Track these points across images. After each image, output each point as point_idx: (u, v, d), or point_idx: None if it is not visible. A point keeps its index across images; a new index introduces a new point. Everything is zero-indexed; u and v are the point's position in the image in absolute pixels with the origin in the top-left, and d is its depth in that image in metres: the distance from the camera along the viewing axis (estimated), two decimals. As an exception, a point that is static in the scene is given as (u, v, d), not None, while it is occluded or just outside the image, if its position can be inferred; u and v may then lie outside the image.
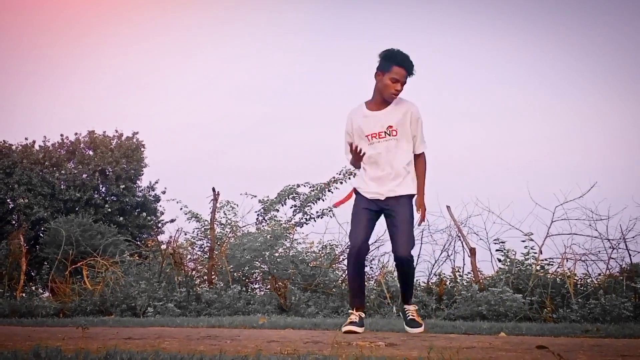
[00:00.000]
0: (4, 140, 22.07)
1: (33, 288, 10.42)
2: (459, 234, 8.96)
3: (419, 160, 5.03)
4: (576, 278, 8.10)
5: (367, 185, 4.95)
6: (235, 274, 9.36)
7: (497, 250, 8.44)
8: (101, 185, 22.34)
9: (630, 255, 8.27)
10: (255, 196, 11.76)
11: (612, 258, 8.32)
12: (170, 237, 10.67)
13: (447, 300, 7.79)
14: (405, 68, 4.82)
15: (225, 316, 7.53)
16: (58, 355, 3.14)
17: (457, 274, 8.74)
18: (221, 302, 8.29)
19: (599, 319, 6.91)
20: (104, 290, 9.01)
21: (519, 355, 3.42)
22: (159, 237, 17.57)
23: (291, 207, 12.16)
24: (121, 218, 21.75)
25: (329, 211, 11.93)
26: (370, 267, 9.64)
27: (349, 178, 12.11)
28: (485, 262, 8.78)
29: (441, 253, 8.71)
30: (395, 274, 8.92)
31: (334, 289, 8.71)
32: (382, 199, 4.90)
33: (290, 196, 12.13)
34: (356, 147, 4.87)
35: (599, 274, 8.31)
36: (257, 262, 9.48)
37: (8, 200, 21.08)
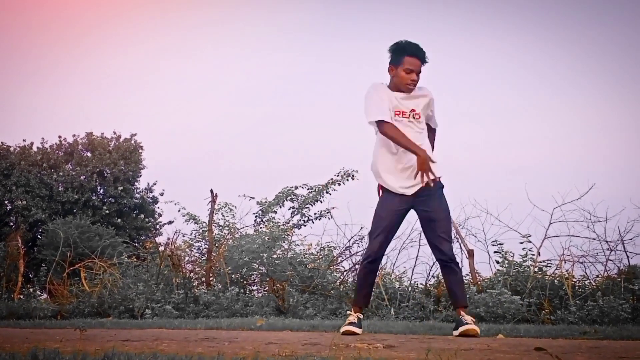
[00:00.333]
0: (1, 142, 22.08)
1: (31, 290, 10.40)
2: (457, 236, 8.96)
3: (432, 134, 5.05)
4: (574, 280, 8.10)
5: (396, 177, 4.77)
6: (233, 276, 9.35)
7: (495, 252, 8.45)
8: (99, 187, 22.33)
9: (628, 257, 8.28)
10: (253, 198, 11.76)
11: (610, 260, 8.32)
12: (168, 238, 10.66)
13: (445, 302, 7.79)
14: (418, 57, 4.77)
15: (223, 318, 7.53)
16: (56, 357, 3.14)
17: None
18: (219, 304, 8.28)
19: (597, 320, 6.91)
20: (102, 292, 9.00)
21: (517, 357, 3.43)
22: (156, 238, 17.54)
23: (289, 209, 12.14)
24: (119, 220, 21.74)
25: (327, 213, 11.92)
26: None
27: (347, 180, 12.10)
28: (483, 263, 8.79)
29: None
30: (394, 275, 8.99)
31: (332, 291, 8.71)
32: (411, 193, 4.74)
33: (288, 198, 12.12)
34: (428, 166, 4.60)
35: (597, 276, 8.32)
36: (255, 264, 9.48)
37: (6, 202, 21.08)
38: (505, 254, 8.31)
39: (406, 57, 4.76)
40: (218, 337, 4.68)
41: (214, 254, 9.62)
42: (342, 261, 9.76)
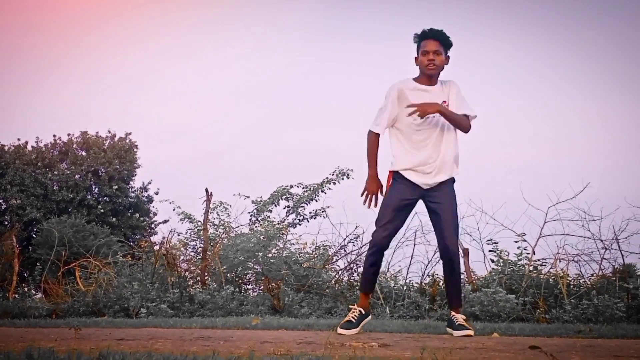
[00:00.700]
0: (-4, 141, 22.03)
1: (25, 289, 10.39)
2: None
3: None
4: (569, 278, 8.12)
5: (414, 169, 4.73)
6: (228, 275, 9.35)
7: (490, 251, 8.46)
8: (94, 186, 22.29)
9: (622, 255, 8.30)
10: (249, 197, 11.75)
11: (605, 259, 8.34)
12: (163, 238, 10.66)
13: (440, 300, 7.80)
14: (433, 37, 4.73)
15: (219, 317, 7.53)
16: (51, 356, 3.13)
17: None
18: (214, 303, 8.28)
19: (592, 319, 6.93)
20: (97, 291, 8.99)
21: (512, 356, 3.43)
22: (151, 238, 17.52)
23: (284, 208, 12.15)
24: (114, 219, 21.71)
25: (322, 212, 11.93)
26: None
27: (343, 179, 12.10)
28: (479, 262, 8.80)
29: (434, 254, 8.71)
30: (389, 274, 8.99)
31: (327, 290, 8.71)
32: (426, 188, 4.73)
33: (283, 197, 12.12)
34: (372, 196, 4.83)
35: (592, 275, 8.34)
36: (250, 263, 9.48)
37: (0, 201, 21.03)
38: (500, 253, 8.32)
39: (422, 41, 4.76)
40: (213, 336, 4.68)
41: (209, 253, 9.62)
42: (337, 260, 9.76)
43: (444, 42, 4.75)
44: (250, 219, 11.67)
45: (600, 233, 8.44)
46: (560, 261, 8.34)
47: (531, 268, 8.15)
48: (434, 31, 4.75)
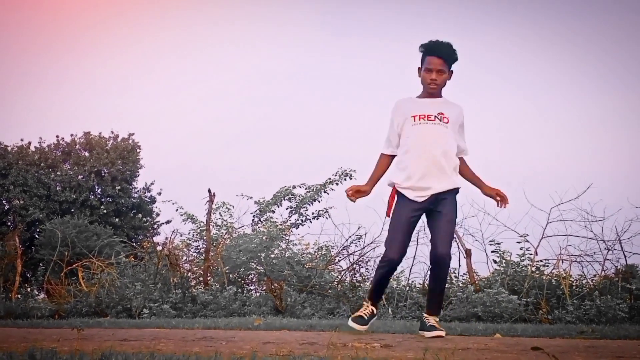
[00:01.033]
0: (-1, 142, 22.05)
1: (28, 289, 10.39)
2: (455, 235, 8.97)
3: (464, 163, 4.92)
4: (571, 279, 8.12)
5: (412, 181, 4.62)
6: (230, 276, 9.36)
7: (492, 251, 8.47)
8: (97, 187, 22.31)
9: (625, 256, 8.29)
10: (251, 197, 11.76)
11: (608, 259, 8.34)
12: (166, 238, 10.68)
13: (443, 301, 7.80)
14: (437, 55, 4.63)
15: (221, 317, 7.53)
16: (53, 356, 3.14)
17: (452, 275, 8.75)
18: (217, 304, 8.28)
19: (594, 320, 6.92)
20: (100, 291, 8.99)
21: (515, 357, 3.43)
22: (154, 238, 17.53)
23: (287, 209, 12.15)
24: (117, 219, 21.72)
25: (325, 212, 11.92)
26: (366, 269, 9.65)
27: (345, 179, 12.11)
28: (481, 263, 8.80)
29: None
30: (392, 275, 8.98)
31: (329, 290, 8.72)
32: (428, 197, 4.62)
33: (286, 197, 12.12)
34: (356, 192, 4.79)
35: (594, 275, 8.33)
36: (252, 264, 9.48)
37: (4, 201, 21.06)
38: (503, 254, 8.32)
39: (427, 57, 4.66)
40: (216, 337, 4.68)
41: (212, 254, 9.63)
42: (339, 261, 9.77)
43: (449, 58, 4.66)
44: (252, 220, 11.69)
45: (603, 234, 8.44)
46: (562, 262, 8.34)
47: (534, 269, 8.14)
48: (439, 48, 4.65)
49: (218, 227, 10.90)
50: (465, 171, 4.92)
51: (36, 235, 20.02)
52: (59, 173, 21.63)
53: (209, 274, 9.42)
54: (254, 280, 9.76)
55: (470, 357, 3.43)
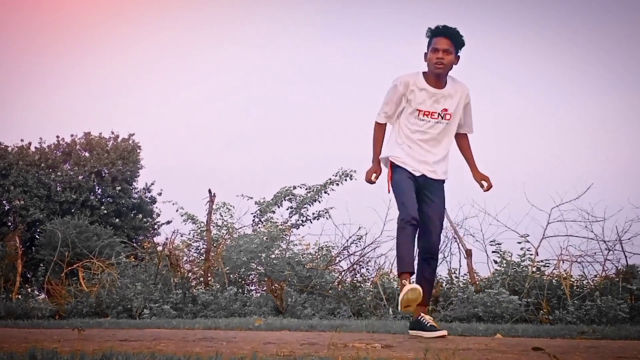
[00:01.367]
0: (-1, 142, 22.05)
1: (29, 290, 10.39)
2: (455, 236, 8.98)
3: (466, 139, 4.97)
4: (572, 280, 8.11)
5: (410, 159, 4.69)
6: (231, 276, 9.36)
7: (493, 251, 8.46)
8: (97, 187, 22.30)
9: (626, 256, 8.30)
10: (252, 198, 11.75)
11: (608, 260, 8.35)
12: (167, 238, 10.69)
13: (444, 301, 7.80)
14: (444, 35, 4.66)
15: (222, 318, 7.54)
16: (54, 357, 3.14)
17: (453, 275, 8.76)
18: (217, 304, 8.28)
19: (595, 320, 6.92)
20: (100, 292, 9.00)
21: (515, 357, 3.43)
22: (155, 238, 17.52)
23: (287, 209, 12.13)
24: (117, 220, 21.71)
25: (325, 213, 11.92)
26: (367, 269, 9.65)
27: (346, 180, 12.09)
28: (482, 263, 8.80)
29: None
30: (392, 275, 8.98)
31: (330, 291, 8.72)
32: (419, 175, 4.67)
33: (286, 198, 12.11)
34: (372, 176, 4.78)
35: (595, 276, 8.34)
36: (253, 264, 9.48)
37: (4, 201, 21.04)
38: (504, 254, 8.32)
39: (433, 38, 4.68)
40: (216, 337, 4.68)
41: (212, 254, 9.63)
42: (340, 261, 9.78)
43: (456, 41, 4.68)
44: (253, 220, 11.68)
45: (604, 234, 8.45)
46: (563, 262, 8.34)
47: (534, 269, 8.14)
48: (446, 28, 4.68)
49: (218, 228, 10.90)
50: (464, 147, 4.99)
51: (37, 236, 20.01)
52: (59, 173, 21.62)
53: (209, 275, 9.42)
54: (254, 280, 9.77)
55: (471, 357, 3.42)
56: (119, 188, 22.15)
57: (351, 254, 9.68)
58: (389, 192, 4.76)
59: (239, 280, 9.53)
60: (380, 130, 4.86)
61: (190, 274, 9.83)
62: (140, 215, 22.59)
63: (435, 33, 4.69)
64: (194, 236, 11.01)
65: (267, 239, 9.68)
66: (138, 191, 23.35)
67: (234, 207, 11.14)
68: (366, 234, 9.70)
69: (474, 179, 4.97)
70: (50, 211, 20.80)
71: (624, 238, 8.31)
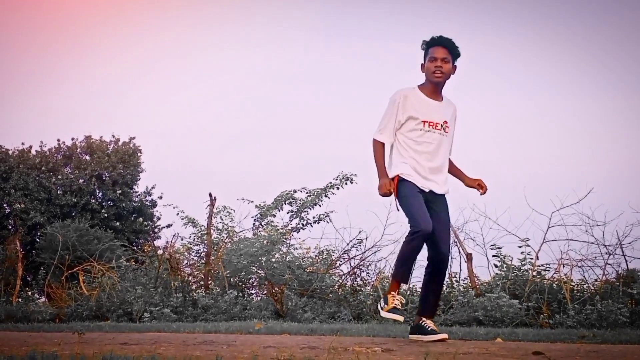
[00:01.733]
0: (0, 145, 22.03)
1: (29, 293, 10.40)
2: (456, 240, 8.97)
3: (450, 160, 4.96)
4: (573, 284, 8.11)
5: (417, 176, 4.65)
6: (231, 280, 9.35)
7: (493, 256, 8.45)
8: (98, 191, 22.27)
9: (626, 261, 8.29)
10: (252, 201, 11.74)
11: (609, 264, 8.34)
12: (167, 242, 10.66)
13: (444, 305, 7.79)
14: (441, 45, 4.70)
15: (222, 321, 7.53)
16: (54, 360, 3.14)
17: (453, 279, 8.75)
18: (217, 308, 8.28)
19: (596, 324, 6.92)
20: (100, 295, 9.00)
21: (516, 361, 3.43)
22: (155, 242, 17.49)
23: (288, 213, 12.13)
24: (117, 223, 21.67)
25: (326, 216, 11.91)
26: (367, 273, 9.65)
27: (346, 184, 12.08)
28: (482, 267, 8.79)
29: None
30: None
31: (330, 295, 8.71)
32: (427, 191, 4.65)
33: (287, 201, 12.10)
34: (389, 186, 4.63)
35: (596, 280, 8.33)
36: (253, 268, 9.48)
37: (4, 205, 21.02)
38: (504, 258, 8.31)
39: (430, 48, 4.71)
40: (216, 341, 4.68)
41: (213, 258, 9.63)
42: (340, 265, 9.77)
43: (453, 50, 4.72)
44: (253, 224, 11.67)
45: (604, 238, 8.44)
46: (563, 266, 8.33)
47: (535, 273, 8.14)
48: (443, 39, 4.73)
49: (219, 231, 10.89)
50: (450, 166, 4.95)
51: (37, 239, 19.99)
52: (59, 177, 21.59)
53: (209, 278, 9.41)
54: (254, 284, 9.76)
55: (471, 361, 3.42)
56: (120, 191, 22.13)
57: (352, 258, 9.68)
58: (398, 209, 4.72)
59: (240, 283, 9.53)
60: (381, 147, 4.79)
61: (190, 278, 9.82)
62: (141, 219, 22.56)
63: (432, 43, 4.73)
64: (194, 240, 11.00)
65: (267, 242, 9.68)
66: (138, 194, 23.32)
67: (234, 210, 11.14)
68: (367, 237, 9.70)
69: (468, 186, 4.98)
70: (51, 214, 20.78)
71: (625, 242, 8.31)
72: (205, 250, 10.14)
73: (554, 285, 7.92)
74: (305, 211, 12.14)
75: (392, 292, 4.60)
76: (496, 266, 8.43)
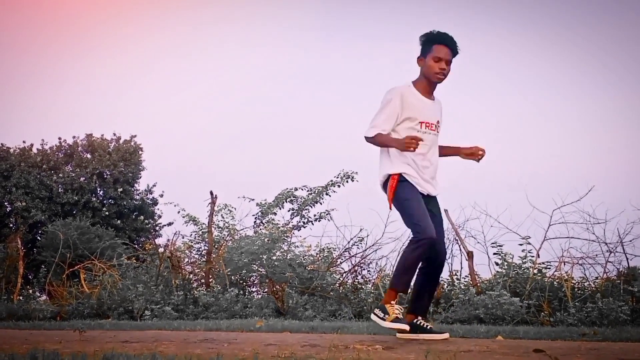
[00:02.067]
0: (1, 144, 22.01)
1: (30, 291, 10.40)
2: (457, 238, 8.97)
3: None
4: (573, 281, 8.11)
5: (419, 179, 4.52)
6: (232, 277, 9.36)
7: (494, 253, 8.45)
8: (99, 189, 22.29)
9: (627, 258, 8.29)
10: (253, 199, 11.76)
11: (610, 262, 8.34)
12: (168, 240, 10.68)
13: (445, 303, 7.80)
14: (447, 45, 4.52)
15: (223, 319, 7.54)
16: (55, 358, 3.14)
17: (454, 277, 8.76)
18: (218, 306, 8.28)
19: (596, 322, 6.92)
20: (101, 293, 9.00)
21: (516, 359, 3.43)
22: (156, 240, 17.50)
23: (289, 211, 12.14)
24: (119, 221, 21.70)
25: (327, 214, 11.92)
26: (368, 271, 9.65)
27: (347, 182, 12.09)
28: (483, 265, 8.80)
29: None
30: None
31: (331, 292, 8.72)
32: (426, 194, 4.53)
33: (288, 199, 12.12)
34: (416, 140, 4.36)
35: (597, 278, 8.33)
36: (254, 266, 9.48)
37: (6, 203, 21.04)
38: (505, 256, 8.31)
39: (435, 45, 4.52)
40: (217, 339, 4.69)
41: (214, 256, 9.63)
42: (341, 263, 9.77)
43: (455, 50, 4.57)
44: (254, 222, 11.69)
45: (605, 236, 8.44)
46: (564, 264, 8.33)
47: (535, 271, 8.14)
48: (449, 38, 4.55)
49: (220, 229, 10.90)
50: (441, 150, 4.78)
51: (38, 237, 20.01)
52: (61, 175, 21.62)
53: (210, 276, 9.42)
54: (255, 282, 9.77)
55: (472, 359, 3.43)
56: (121, 190, 22.15)
57: (352, 256, 9.68)
58: (390, 208, 4.59)
59: (240, 281, 9.53)
60: (378, 134, 4.56)
61: (191, 276, 9.83)
62: (142, 217, 22.58)
63: (438, 40, 4.55)
64: (195, 238, 11.02)
65: (268, 240, 9.69)
66: (140, 193, 23.35)
67: (235, 208, 11.15)
68: (367, 235, 9.71)
69: (465, 158, 4.80)
70: (52, 213, 20.80)
71: (626, 240, 8.31)
72: (206, 248, 10.15)
73: (555, 283, 7.92)
74: (306, 209, 12.16)
75: (391, 302, 4.45)
76: (497, 264, 8.43)
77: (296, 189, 12.23)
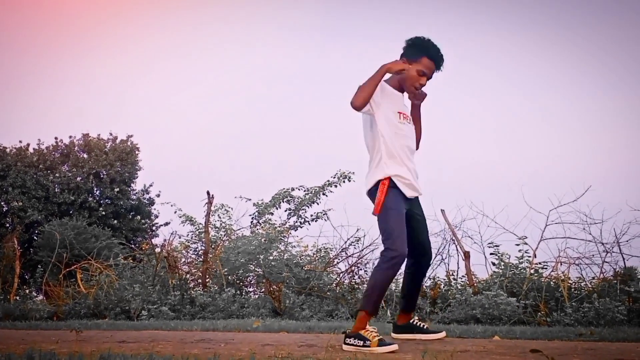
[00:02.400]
0: (-3, 143, 22.05)
1: (27, 291, 10.40)
2: (453, 238, 8.98)
3: None
4: (570, 282, 8.12)
5: (411, 177, 4.35)
6: (229, 277, 9.35)
7: (491, 253, 8.46)
8: (95, 189, 22.28)
9: (624, 259, 8.30)
10: (250, 199, 11.76)
11: (606, 262, 8.35)
12: (165, 240, 10.67)
13: (442, 303, 7.80)
14: (436, 63, 4.38)
15: (220, 319, 7.53)
16: (52, 358, 3.14)
17: (451, 277, 8.76)
18: (215, 306, 8.28)
19: (593, 322, 6.92)
20: (98, 293, 8.99)
21: (513, 359, 3.43)
22: (153, 240, 17.50)
23: (286, 211, 12.15)
24: (115, 221, 21.69)
25: (324, 214, 11.93)
26: (365, 271, 9.65)
27: (344, 182, 12.10)
28: (480, 265, 8.81)
29: (435, 256, 8.72)
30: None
31: (328, 292, 8.72)
32: (412, 198, 4.40)
33: (284, 199, 12.12)
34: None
35: (593, 278, 8.34)
36: (251, 266, 9.48)
37: (2, 203, 21.01)
38: (502, 256, 8.32)
39: (425, 57, 4.37)
40: (214, 339, 4.69)
41: (211, 256, 9.62)
42: (338, 263, 9.77)
43: (437, 71, 4.45)
44: (251, 222, 11.69)
45: (602, 236, 8.45)
46: (561, 264, 8.34)
47: (532, 271, 8.14)
48: (442, 58, 4.42)
49: (217, 229, 10.90)
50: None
51: (35, 237, 20.00)
52: (57, 175, 21.60)
53: (207, 276, 9.41)
54: (252, 282, 9.77)
55: (469, 359, 3.43)
56: (118, 189, 22.14)
57: (349, 256, 9.68)
58: (374, 213, 4.34)
59: (237, 281, 9.53)
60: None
61: (188, 276, 9.82)
62: (139, 217, 22.57)
63: (432, 55, 4.40)
64: (192, 238, 11.02)
65: (265, 240, 9.69)
66: (136, 193, 23.34)
67: (232, 208, 11.16)
68: (364, 235, 9.72)
69: (415, 107, 4.63)
70: (49, 212, 20.78)
71: (622, 240, 8.32)
72: (203, 248, 10.14)
73: (552, 283, 7.93)
74: (303, 209, 12.16)
75: (366, 328, 4.09)
76: (494, 264, 8.44)
77: (293, 189, 12.23)
